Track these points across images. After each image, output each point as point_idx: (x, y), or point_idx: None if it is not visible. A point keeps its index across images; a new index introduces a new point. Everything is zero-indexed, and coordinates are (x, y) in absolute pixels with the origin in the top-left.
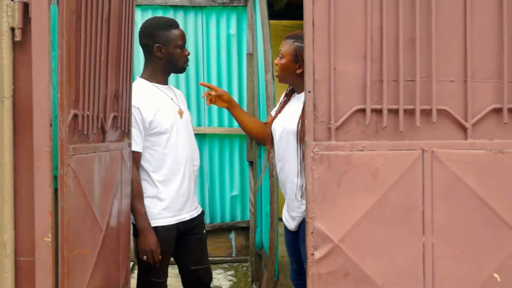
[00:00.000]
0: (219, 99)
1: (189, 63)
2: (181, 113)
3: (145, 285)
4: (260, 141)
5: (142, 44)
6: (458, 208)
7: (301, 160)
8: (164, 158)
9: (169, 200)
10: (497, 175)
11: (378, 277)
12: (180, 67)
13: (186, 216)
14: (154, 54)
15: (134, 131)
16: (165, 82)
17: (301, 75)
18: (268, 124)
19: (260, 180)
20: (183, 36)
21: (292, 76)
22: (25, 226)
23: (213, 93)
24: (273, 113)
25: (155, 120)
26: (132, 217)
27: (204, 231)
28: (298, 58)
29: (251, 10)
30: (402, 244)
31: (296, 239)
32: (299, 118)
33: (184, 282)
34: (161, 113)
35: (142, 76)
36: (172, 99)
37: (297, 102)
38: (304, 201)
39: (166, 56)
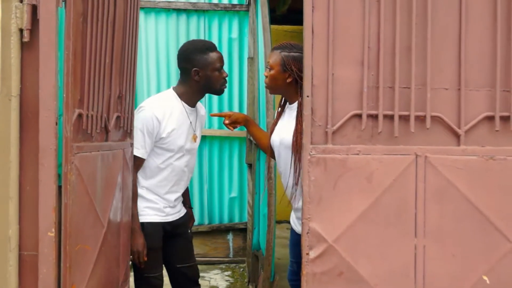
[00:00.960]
0: (235, 122)
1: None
2: (195, 138)
3: (140, 280)
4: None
5: (180, 68)
6: (450, 212)
7: (296, 171)
8: (158, 172)
9: (153, 203)
10: (488, 180)
11: (371, 277)
12: (218, 89)
13: (169, 218)
14: (192, 77)
15: (142, 137)
16: (193, 105)
17: (291, 84)
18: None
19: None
20: (221, 59)
21: (283, 86)
22: (29, 222)
23: (227, 121)
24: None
25: (167, 138)
26: None
27: (189, 231)
28: (286, 67)
29: (253, 15)
30: (394, 245)
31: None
32: (294, 131)
33: (172, 280)
34: (174, 134)
35: (176, 90)
36: (191, 123)
37: (290, 114)
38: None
39: (204, 80)
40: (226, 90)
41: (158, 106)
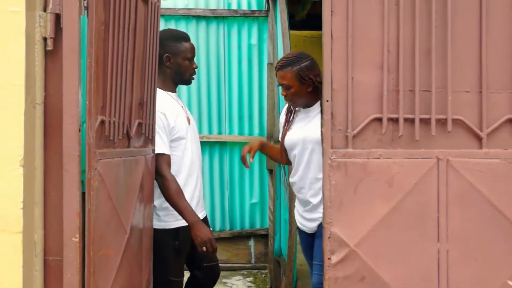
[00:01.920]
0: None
1: (209, 74)
2: (188, 119)
3: (163, 284)
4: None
5: None
6: (473, 216)
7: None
8: (182, 162)
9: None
10: (510, 183)
11: (393, 282)
12: (186, 78)
13: (199, 216)
14: (164, 63)
15: (162, 135)
16: (174, 91)
17: (312, 92)
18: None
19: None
20: (192, 50)
21: (306, 96)
22: (53, 227)
23: (251, 160)
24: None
25: (176, 126)
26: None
27: None
28: (304, 79)
29: (272, 21)
30: (417, 250)
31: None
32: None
33: (191, 282)
34: (179, 119)
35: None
36: (182, 107)
37: (307, 115)
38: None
39: (174, 67)
40: (245, 96)
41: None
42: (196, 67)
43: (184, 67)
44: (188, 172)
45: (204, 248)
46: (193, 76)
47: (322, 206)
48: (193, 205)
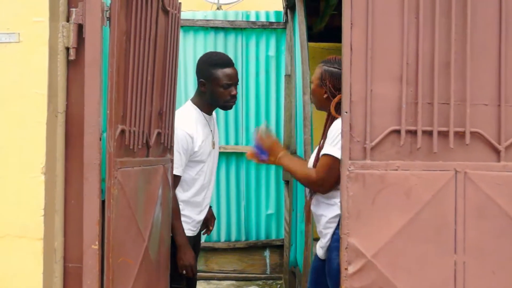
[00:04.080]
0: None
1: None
2: (213, 143)
3: None
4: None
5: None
6: (490, 228)
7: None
8: (194, 182)
9: (191, 217)
10: None
11: None
12: (221, 105)
13: (196, 231)
14: (199, 87)
15: (181, 157)
16: (210, 113)
17: (328, 99)
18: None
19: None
20: (230, 77)
21: (321, 101)
22: (73, 234)
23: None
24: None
25: (200, 150)
26: None
27: (211, 228)
28: (323, 82)
29: (290, 33)
30: (434, 261)
31: (324, 267)
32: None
33: None
34: (204, 144)
35: (193, 100)
36: (211, 130)
37: (323, 143)
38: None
39: (208, 92)
40: (263, 107)
41: (188, 123)
42: (235, 94)
43: (217, 94)
44: (195, 193)
45: (184, 272)
46: (231, 102)
47: (324, 233)
48: (195, 222)
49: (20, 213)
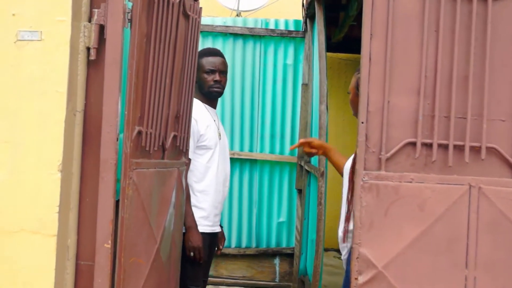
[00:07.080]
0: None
1: (244, 91)
2: (219, 134)
3: None
4: None
5: None
6: (503, 244)
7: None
8: (207, 170)
9: (207, 210)
10: None
11: None
12: (205, 91)
13: (216, 228)
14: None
15: (189, 140)
16: (211, 105)
17: None
18: None
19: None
20: (212, 63)
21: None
22: (87, 232)
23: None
24: None
25: (206, 134)
26: None
27: (220, 249)
28: (359, 90)
29: (309, 42)
30: (445, 275)
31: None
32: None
33: None
34: (210, 130)
35: (195, 95)
36: (214, 121)
37: None
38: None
39: (198, 81)
40: (278, 114)
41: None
42: (218, 79)
43: (202, 80)
44: (210, 183)
45: (192, 254)
46: (215, 89)
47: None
48: (213, 215)
49: (36, 209)
